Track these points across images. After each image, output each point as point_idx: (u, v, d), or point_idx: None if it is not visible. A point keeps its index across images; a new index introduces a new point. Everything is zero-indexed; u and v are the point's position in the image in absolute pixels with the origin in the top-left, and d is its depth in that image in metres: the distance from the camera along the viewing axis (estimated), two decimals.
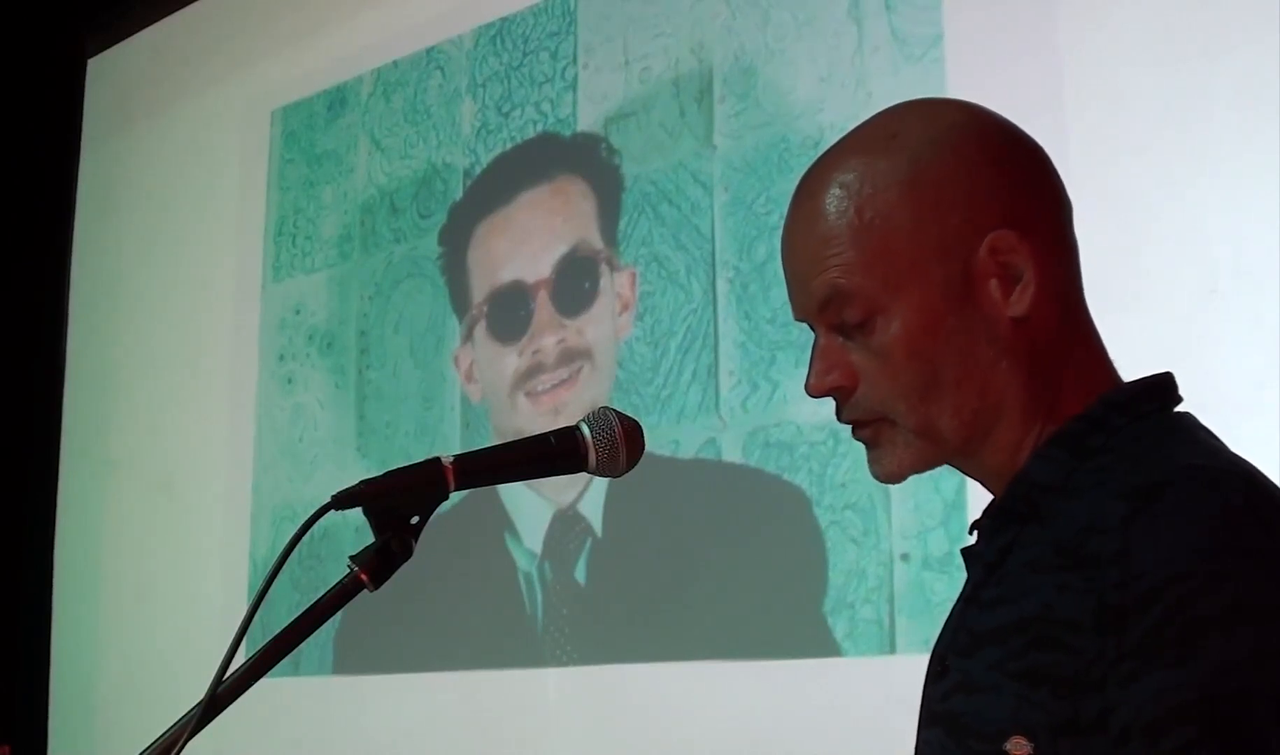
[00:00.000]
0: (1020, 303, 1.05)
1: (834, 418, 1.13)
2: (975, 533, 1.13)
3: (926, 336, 1.05)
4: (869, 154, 1.09)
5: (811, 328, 1.12)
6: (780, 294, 1.18)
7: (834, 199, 1.08)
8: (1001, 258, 1.05)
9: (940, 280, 1.05)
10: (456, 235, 3.28)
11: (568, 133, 3.09)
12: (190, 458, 3.74)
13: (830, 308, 1.08)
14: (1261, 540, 0.93)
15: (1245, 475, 1.00)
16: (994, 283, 1.05)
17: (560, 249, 3.06)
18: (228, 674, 1.08)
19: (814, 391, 1.10)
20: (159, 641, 3.66)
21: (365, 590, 1.13)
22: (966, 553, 1.13)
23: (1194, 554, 0.91)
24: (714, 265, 2.76)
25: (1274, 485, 1.01)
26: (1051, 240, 1.08)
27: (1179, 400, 1.10)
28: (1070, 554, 0.97)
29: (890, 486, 1.21)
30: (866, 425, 1.09)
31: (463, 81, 3.32)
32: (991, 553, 1.07)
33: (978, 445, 1.07)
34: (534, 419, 3.02)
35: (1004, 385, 1.05)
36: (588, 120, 3.05)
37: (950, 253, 1.05)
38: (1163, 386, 1.09)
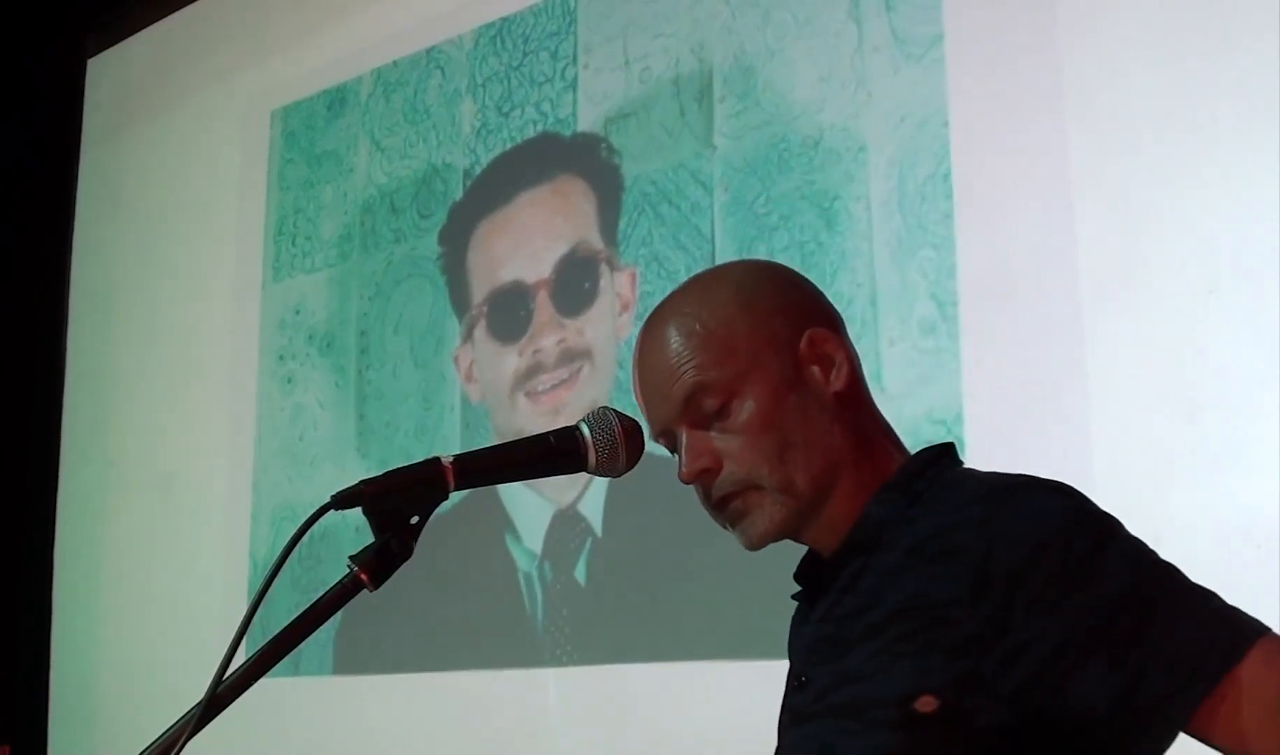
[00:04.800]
0: (838, 380, 1.30)
1: None
2: (804, 581, 1.35)
3: (775, 409, 1.27)
4: (699, 290, 1.33)
5: (670, 446, 1.31)
6: None
7: (678, 325, 1.30)
8: (818, 349, 1.30)
9: (777, 367, 1.29)
10: (456, 235, 3.28)
11: (568, 133, 3.09)
12: (190, 458, 3.74)
13: (691, 404, 1.28)
14: (1084, 503, 1.19)
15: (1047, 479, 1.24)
16: (815, 368, 1.30)
17: (560, 249, 3.06)
18: (228, 674, 1.08)
19: (687, 478, 1.29)
20: (159, 641, 3.66)
21: (365, 590, 1.13)
22: (805, 593, 1.35)
23: (1056, 519, 1.16)
24: (714, 265, 2.76)
25: None
26: (845, 341, 1.34)
27: (961, 464, 1.34)
28: (931, 553, 1.19)
29: None
30: (735, 497, 1.28)
31: (463, 81, 3.32)
32: (846, 578, 1.27)
33: (825, 498, 1.28)
34: (534, 419, 3.02)
35: (840, 446, 1.29)
36: (588, 120, 3.05)
37: (780, 346, 1.30)
38: (953, 449, 1.35)
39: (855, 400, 1.32)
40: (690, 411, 1.28)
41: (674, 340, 1.30)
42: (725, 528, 1.32)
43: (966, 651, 1.14)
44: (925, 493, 1.27)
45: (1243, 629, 1.11)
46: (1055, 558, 1.14)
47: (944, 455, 1.34)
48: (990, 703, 1.13)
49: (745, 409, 1.27)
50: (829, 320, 1.35)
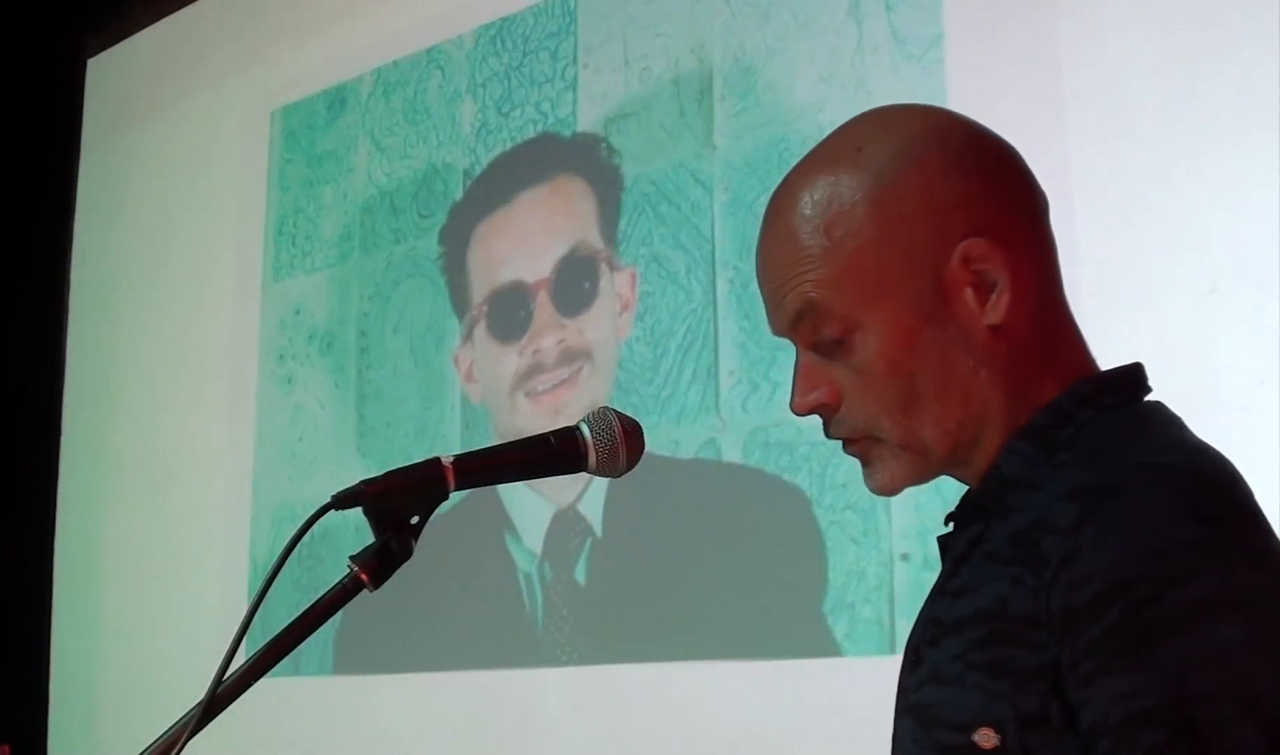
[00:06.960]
0: (996, 310, 1.04)
1: None
2: (951, 524, 1.14)
3: (903, 351, 1.05)
4: (835, 169, 1.08)
5: (794, 344, 1.12)
6: None
7: (802, 218, 1.07)
8: (974, 267, 1.04)
9: (912, 293, 1.04)
10: (456, 235, 3.28)
11: (568, 133, 3.09)
12: (190, 458, 3.73)
13: (804, 323, 1.08)
14: (1208, 534, 0.93)
15: (1194, 470, 0.98)
16: (969, 292, 1.04)
17: (560, 249, 3.06)
18: (228, 674, 1.08)
19: (798, 410, 1.10)
20: (159, 641, 3.65)
21: (365, 590, 1.13)
22: (943, 541, 1.14)
23: (1144, 558, 0.91)
24: (714, 265, 2.76)
25: (1228, 473, 0.99)
26: (1025, 242, 1.07)
27: (1148, 391, 1.09)
28: (1023, 549, 0.97)
29: None
30: (855, 442, 1.10)
31: (463, 81, 3.32)
32: (962, 544, 1.07)
33: (966, 453, 1.07)
34: (534, 419, 3.02)
35: (986, 394, 1.05)
36: (588, 120, 3.05)
37: (920, 265, 1.04)
38: (1131, 378, 1.08)
39: (1019, 329, 1.04)
40: (804, 331, 1.08)
41: (793, 237, 1.07)
42: None
43: (1032, 686, 0.94)
44: (1071, 442, 1.02)
45: None
46: (1122, 608, 0.90)
47: (1110, 387, 1.06)
48: (1061, 752, 0.93)
49: (868, 346, 1.05)
50: (1003, 221, 1.05)
